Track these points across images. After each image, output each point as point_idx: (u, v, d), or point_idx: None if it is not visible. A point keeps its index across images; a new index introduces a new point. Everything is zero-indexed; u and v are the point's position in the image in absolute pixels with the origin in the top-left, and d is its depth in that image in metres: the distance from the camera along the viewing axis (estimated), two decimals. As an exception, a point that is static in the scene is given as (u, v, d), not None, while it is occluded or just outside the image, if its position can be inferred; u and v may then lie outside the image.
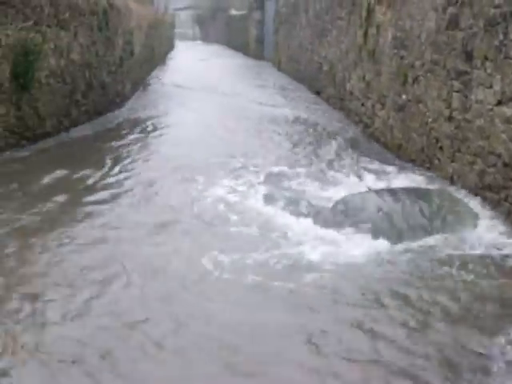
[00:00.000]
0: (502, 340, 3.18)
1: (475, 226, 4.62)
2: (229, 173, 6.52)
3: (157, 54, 22.47)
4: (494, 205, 4.99)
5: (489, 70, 5.07)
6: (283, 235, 4.65)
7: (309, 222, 4.81)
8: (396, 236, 4.43)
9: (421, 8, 6.55)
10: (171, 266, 4.19)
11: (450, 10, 5.78)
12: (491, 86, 5.02)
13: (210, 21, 45.75)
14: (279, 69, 19.79)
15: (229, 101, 12.91)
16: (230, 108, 11.86)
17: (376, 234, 4.38)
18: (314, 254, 4.23)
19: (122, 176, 6.68)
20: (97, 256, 4.35)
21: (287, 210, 5.15)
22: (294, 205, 5.26)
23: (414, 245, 4.40)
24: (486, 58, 5.11)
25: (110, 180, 6.51)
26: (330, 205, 5.17)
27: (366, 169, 6.75)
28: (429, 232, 4.45)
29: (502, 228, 4.72)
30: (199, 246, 4.52)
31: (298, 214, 4.97)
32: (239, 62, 24.98)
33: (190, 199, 5.68)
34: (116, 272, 4.06)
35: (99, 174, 6.68)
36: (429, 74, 6.34)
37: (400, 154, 7.24)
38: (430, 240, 4.41)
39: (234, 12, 32.45)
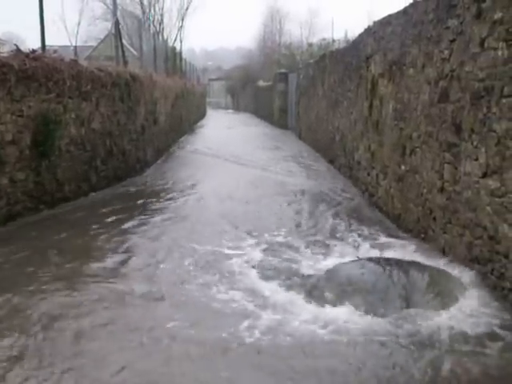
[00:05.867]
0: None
1: (455, 301, 4.51)
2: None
3: (185, 123, 23.26)
4: (482, 278, 4.95)
5: (475, 143, 5.13)
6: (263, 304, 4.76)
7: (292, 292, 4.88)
8: (372, 308, 4.41)
9: (417, 81, 6.75)
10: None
11: (441, 83, 5.94)
12: (477, 159, 5.09)
13: (241, 91, 47.38)
14: (300, 138, 20.25)
15: (245, 169, 13.28)
16: (244, 175, 12.16)
17: (354, 305, 4.39)
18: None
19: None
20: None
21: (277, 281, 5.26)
22: (283, 274, 5.37)
23: (381, 320, 4.33)
24: (473, 131, 5.18)
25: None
26: (318, 274, 5.24)
27: (364, 238, 6.80)
28: (403, 306, 4.40)
29: (482, 306, 4.53)
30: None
31: (285, 285, 5.07)
32: (263, 130, 25.69)
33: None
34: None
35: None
36: (424, 146, 6.45)
37: (399, 223, 7.27)
38: (403, 314, 4.33)
39: (261, 83, 33.64)
